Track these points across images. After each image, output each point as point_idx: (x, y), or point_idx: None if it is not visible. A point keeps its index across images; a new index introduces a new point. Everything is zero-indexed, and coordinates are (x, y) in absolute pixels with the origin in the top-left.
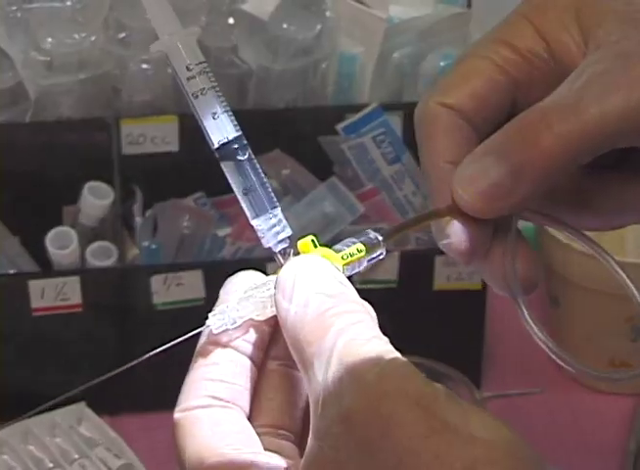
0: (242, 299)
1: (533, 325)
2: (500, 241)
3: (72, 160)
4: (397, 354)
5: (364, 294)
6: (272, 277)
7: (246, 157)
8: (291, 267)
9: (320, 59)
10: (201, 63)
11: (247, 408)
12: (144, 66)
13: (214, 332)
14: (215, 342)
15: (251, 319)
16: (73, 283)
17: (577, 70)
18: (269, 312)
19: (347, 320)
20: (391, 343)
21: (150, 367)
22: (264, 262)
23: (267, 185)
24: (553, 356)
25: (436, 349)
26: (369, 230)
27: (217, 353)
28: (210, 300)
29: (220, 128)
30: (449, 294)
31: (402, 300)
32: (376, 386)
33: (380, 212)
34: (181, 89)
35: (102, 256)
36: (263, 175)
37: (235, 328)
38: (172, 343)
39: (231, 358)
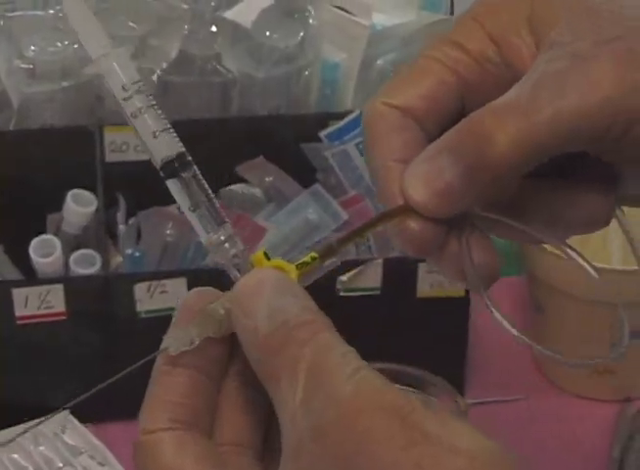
0: (198, 318)
1: (497, 313)
2: (454, 234)
3: (56, 167)
4: (368, 366)
5: (348, 301)
6: (227, 293)
7: (191, 173)
8: (246, 282)
9: (303, 66)
10: (136, 82)
11: (208, 428)
12: None
13: (172, 354)
14: (173, 362)
15: (210, 337)
16: (57, 291)
17: (530, 71)
18: (226, 330)
19: (311, 331)
20: (375, 350)
21: (133, 376)
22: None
23: (214, 201)
24: (520, 341)
25: (419, 356)
26: (322, 239)
27: (176, 374)
28: None
29: (162, 146)
30: (432, 301)
31: (385, 307)
32: (351, 400)
33: (364, 219)
34: (163, 98)
35: (85, 263)
36: (210, 191)
37: (193, 348)
38: (152, 355)
39: (189, 378)
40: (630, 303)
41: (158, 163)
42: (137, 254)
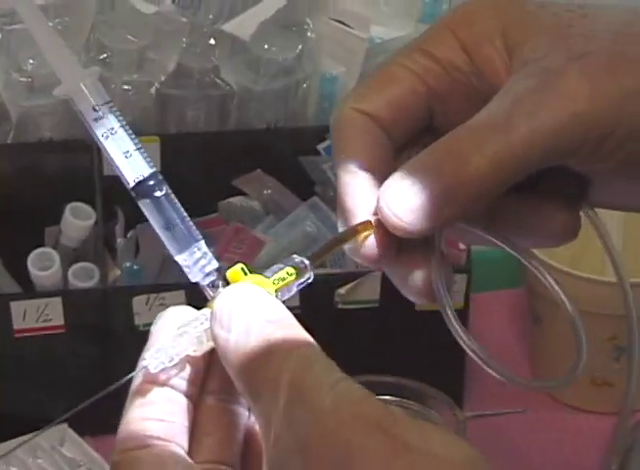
0: (176, 336)
1: (459, 329)
2: (412, 247)
3: (54, 181)
4: (348, 378)
5: (346, 314)
6: (204, 311)
7: (163, 192)
8: (225, 297)
9: (301, 79)
10: (107, 102)
11: (186, 445)
12: (125, 87)
13: (152, 371)
14: (152, 380)
15: (188, 355)
16: (55, 304)
17: (505, 88)
18: (205, 347)
19: (292, 344)
20: (374, 363)
21: (128, 390)
22: None
23: (187, 220)
24: (478, 360)
25: (418, 369)
26: (294, 255)
27: (154, 393)
28: None
29: (134, 167)
30: (431, 314)
31: (384, 319)
32: (332, 413)
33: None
34: (162, 111)
35: (84, 276)
36: (183, 210)
37: (172, 366)
38: (124, 380)
39: (168, 397)
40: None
41: (129, 183)
42: (135, 267)
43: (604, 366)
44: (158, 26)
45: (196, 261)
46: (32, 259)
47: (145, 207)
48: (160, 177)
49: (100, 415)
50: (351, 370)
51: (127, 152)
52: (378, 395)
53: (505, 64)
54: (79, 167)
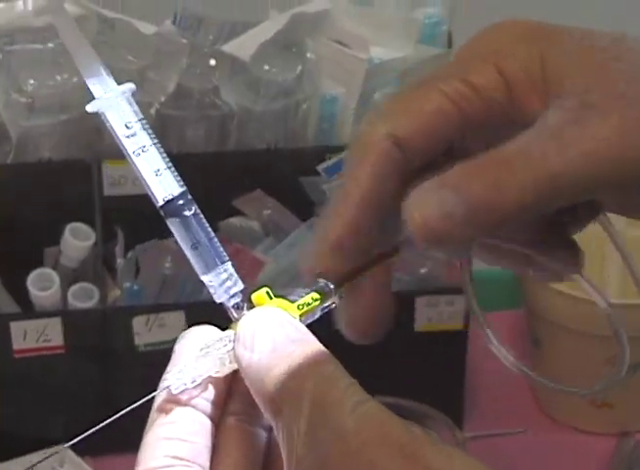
0: (199, 357)
1: (498, 345)
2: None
3: (54, 201)
4: (371, 398)
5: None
6: (228, 332)
7: (192, 212)
8: (249, 319)
9: (301, 100)
10: (140, 119)
11: (207, 466)
12: None
13: (174, 392)
14: (174, 400)
15: (210, 377)
16: (55, 324)
17: (542, 119)
18: (228, 369)
19: (315, 363)
20: (373, 384)
21: (131, 409)
22: None
23: (215, 240)
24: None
25: (418, 389)
26: (319, 279)
27: (176, 412)
28: None
29: (164, 185)
30: (431, 335)
31: (383, 340)
32: (355, 434)
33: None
34: (162, 131)
35: (83, 297)
36: (210, 230)
37: (194, 386)
38: (153, 394)
39: (190, 417)
40: (629, 337)
41: (159, 201)
42: (135, 287)
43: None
44: (158, 47)
45: (222, 282)
46: (32, 280)
47: (173, 225)
48: (190, 197)
49: (100, 436)
50: None
51: (158, 170)
52: None
53: (543, 96)
54: (79, 188)
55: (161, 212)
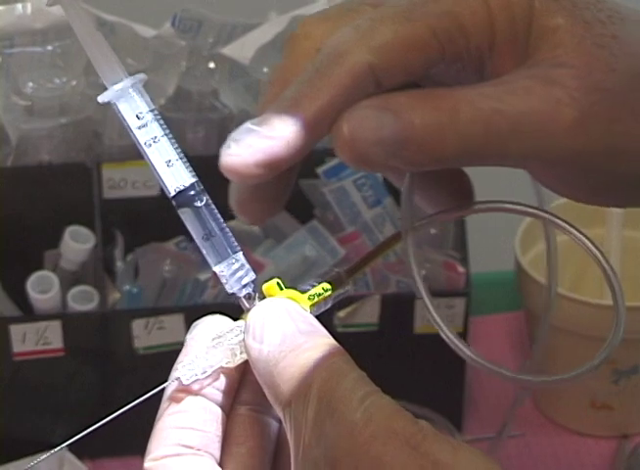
0: (210, 347)
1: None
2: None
3: (53, 204)
4: (379, 391)
5: (345, 337)
6: (239, 322)
7: (203, 203)
8: (259, 311)
9: None
10: (151, 110)
11: (217, 455)
12: None
13: (185, 383)
14: (185, 389)
15: (221, 367)
16: (55, 327)
17: (507, 76)
18: (239, 359)
19: (323, 355)
20: None
21: (130, 411)
22: None
23: (227, 230)
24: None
25: (417, 392)
26: (332, 268)
27: (187, 401)
28: None
29: (176, 176)
30: (430, 337)
31: (383, 343)
32: (363, 426)
33: (361, 256)
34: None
35: (83, 300)
36: (222, 220)
37: (205, 377)
38: (150, 393)
39: (201, 406)
40: (628, 339)
41: (170, 192)
42: (135, 290)
43: (603, 390)
44: (157, 50)
45: (233, 272)
46: (32, 283)
47: (185, 216)
48: (201, 187)
49: (99, 438)
50: None
51: (169, 161)
52: None
53: (518, 54)
54: (79, 191)
55: (173, 203)
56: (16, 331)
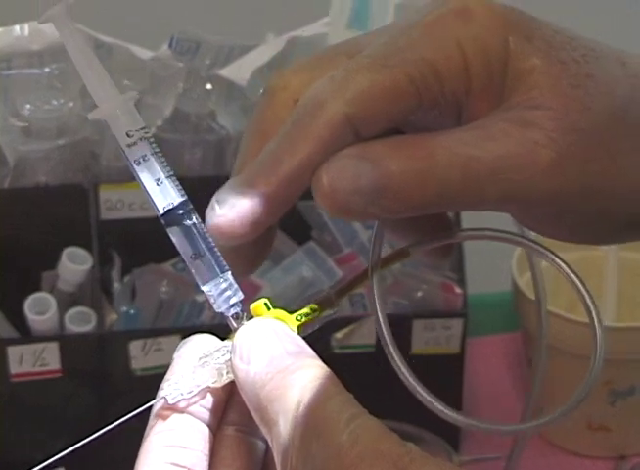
0: (197, 367)
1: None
2: None
3: (51, 225)
4: (366, 413)
5: (342, 358)
6: (227, 342)
7: (192, 222)
8: (246, 331)
9: None
10: (141, 129)
11: None
12: None
13: (170, 402)
14: (172, 408)
15: (208, 387)
16: (52, 349)
17: (482, 121)
18: (225, 379)
19: (310, 375)
20: (369, 407)
21: (128, 432)
22: None
23: (215, 249)
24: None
25: (414, 413)
26: (322, 288)
27: (174, 419)
28: None
29: (165, 194)
30: (427, 358)
31: (380, 364)
32: (349, 448)
33: (352, 276)
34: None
35: (80, 321)
36: (211, 239)
37: (191, 396)
38: (137, 411)
39: (188, 424)
40: (624, 360)
41: (159, 210)
42: (132, 311)
43: (600, 411)
44: (154, 71)
45: (221, 292)
46: (29, 304)
47: (173, 235)
48: (190, 206)
49: (95, 458)
50: None
51: (159, 179)
52: None
53: (494, 97)
54: (76, 212)
55: (162, 221)
56: (13, 352)
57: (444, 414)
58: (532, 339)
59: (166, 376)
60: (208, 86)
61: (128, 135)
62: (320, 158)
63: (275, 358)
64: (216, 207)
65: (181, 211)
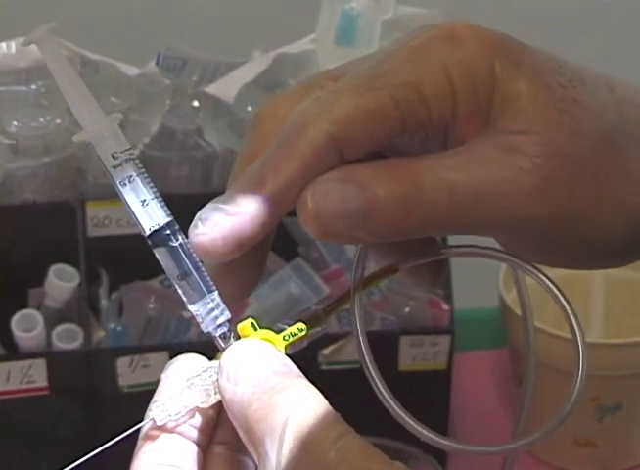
0: (184, 388)
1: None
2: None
3: (38, 242)
4: (352, 431)
5: (329, 375)
6: (214, 363)
7: (179, 242)
8: (233, 352)
9: None
10: (126, 150)
11: None
12: None
13: (158, 423)
14: (161, 427)
15: (196, 407)
16: (39, 366)
17: (468, 145)
18: (213, 399)
19: (297, 395)
20: (357, 423)
21: (117, 454)
22: None
23: (202, 269)
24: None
25: (402, 429)
26: (310, 306)
27: (163, 438)
28: None
29: (151, 215)
30: (414, 374)
31: (367, 380)
32: (336, 466)
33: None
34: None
35: (67, 338)
36: (198, 260)
37: (179, 417)
38: (126, 433)
39: (177, 442)
40: (611, 376)
41: (145, 231)
42: (119, 328)
43: (587, 427)
44: (141, 88)
45: (209, 312)
46: (16, 321)
47: (160, 255)
48: (177, 227)
49: None
50: None
51: (144, 200)
52: None
53: (480, 121)
54: (63, 229)
55: (148, 242)
56: (0, 369)
57: (427, 438)
58: (520, 355)
59: (154, 397)
60: (195, 103)
61: (114, 157)
62: (304, 178)
63: (262, 378)
64: (199, 225)
65: (167, 232)
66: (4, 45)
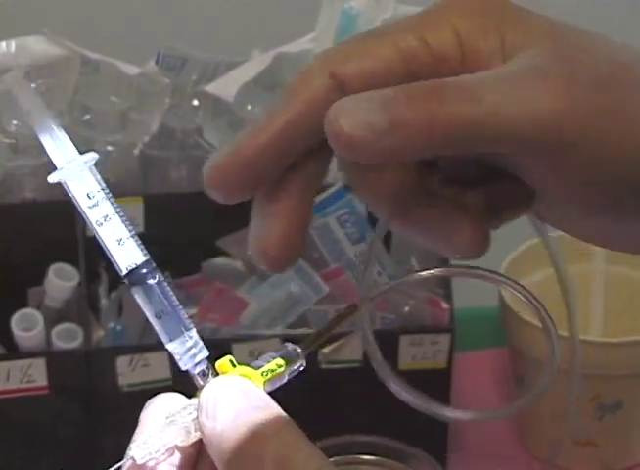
0: (164, 426)
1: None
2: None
3: (38, 242)
4: (331, 464)
5: (329, 374)
6: (193, 401)
7: (156, 280)
8: (211, 389)
9: None
10: (102, 189)
11: None
12: (109, 148)
13: (139, 462)
14: (141, 466)
15: (176, 445)
16: (39, 365)
17: (488, 69)
18: (193, 437)
19: (277, 431)
20: (357, 423)
21: None
22: (230, 343)
23: (179, 307)
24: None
25: (402, 428)
26: (287, 343)
27: None
28: (177, 381)
29: (128, 254)
30: (414, 373)
31: (367, 379)
32: None
33: (345, 292)
34: (145, 172)
35: (67, 337)
36: (175, 298)
37: (159, 455)
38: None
39: None
40: (611, 375)
41: (122, 270)
42: (119, 327)
43: (587, 426)
44: (141, 88)
45: (187, 350)
46: (16, 320)
47: (137, 294)
48: (154, 265)
49: None
50: (334, 430)
51: (121, 240)
52: (359, 454)
53: (496, 62)
54: (63, 228)
55: (125, 281)
56: (0, 369)
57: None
58: (519, 354)
59: (134, 436)
60: (195, 102)
61: (89, 197)
62: (308, 114)
63: (240, 413)
64: (209, 162)
65: (144, 271)
66: (4, 44)
